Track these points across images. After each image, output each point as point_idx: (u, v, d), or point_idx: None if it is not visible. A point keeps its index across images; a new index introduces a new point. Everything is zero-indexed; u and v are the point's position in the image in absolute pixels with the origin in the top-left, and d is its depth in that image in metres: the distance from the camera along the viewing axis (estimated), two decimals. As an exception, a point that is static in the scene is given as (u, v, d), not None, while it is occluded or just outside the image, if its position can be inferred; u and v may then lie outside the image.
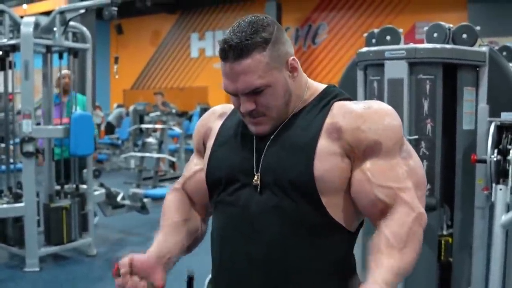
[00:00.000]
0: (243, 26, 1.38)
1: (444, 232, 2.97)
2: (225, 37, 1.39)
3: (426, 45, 2.86)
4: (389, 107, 1.45)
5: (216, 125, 1.60)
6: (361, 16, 15.33)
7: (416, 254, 1.36)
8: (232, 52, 1.36)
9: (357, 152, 1.40)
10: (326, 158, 1.39)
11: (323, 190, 1.39)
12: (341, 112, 1.42)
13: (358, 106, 1.43)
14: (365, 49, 3.01)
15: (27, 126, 5.17)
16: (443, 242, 2.93)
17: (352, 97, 1.52)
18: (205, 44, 18.50)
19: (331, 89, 1.51)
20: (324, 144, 1.40)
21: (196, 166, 1.64)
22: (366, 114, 1.40)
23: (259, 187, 1.44)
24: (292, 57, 1.43)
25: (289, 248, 1.41)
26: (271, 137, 1.46)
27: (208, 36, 18.44)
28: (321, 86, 1.53)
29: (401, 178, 1.39)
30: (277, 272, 1.42)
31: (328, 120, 1.42)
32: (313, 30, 16.16)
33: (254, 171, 1.45)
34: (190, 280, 1.86)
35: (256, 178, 1.44)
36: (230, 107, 1.61)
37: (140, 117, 11.30)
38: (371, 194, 1.38)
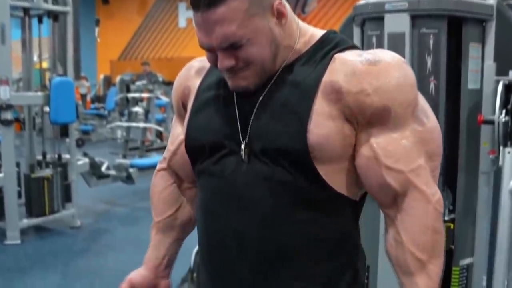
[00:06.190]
0: None
1: (446, 218, 2.78)
2: None
3: (430, -4, 2.64)
4: (400, 59, 1.21)
5: (195, 83, 1.37)
6: (352, -16, 15.07)
7: (443, 248, 1.22)
8: None
9: (361, 119, 1.18)
10: (324, 122, 1.17)
11: (321, 159, 1.17)
12: (343, 69, 1.18)
13: (362, 60, 1.18)
14: (363, 1, 2.79)
15: (4, 93, 4.96)
16: (445, 228, 2.73)
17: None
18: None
19: (330, 36, 1.27)
20: (321, 105, 1.17)
21: (180, 136, 1.41)
22: (373, 73, 1.16)
23: (246, 155, 1.22)
24: (278, 0, 1.18)
25: (283, 225, 1.21)
26: (261, 97, 1.23)
27: (196, 6, 18.11)
28: (319, 33, 1.28)
29: (412, 155, 1.18)
30: (270, 252, 1.23)
31: (326, 77, 1.19)
32: (303, -1, 15.90)
33: (241, 136, 1.23)
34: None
35: (242, 144, 1.22)
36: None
37: (127, 87, 11.07)
38: (380, 177, 1.18)
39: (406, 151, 1.18)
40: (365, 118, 1.18)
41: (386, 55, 1.21)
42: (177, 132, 1.45)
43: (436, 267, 1.21)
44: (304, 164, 1.18)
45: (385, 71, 1.17)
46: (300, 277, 1.24)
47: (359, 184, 1.25)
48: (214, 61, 1.22)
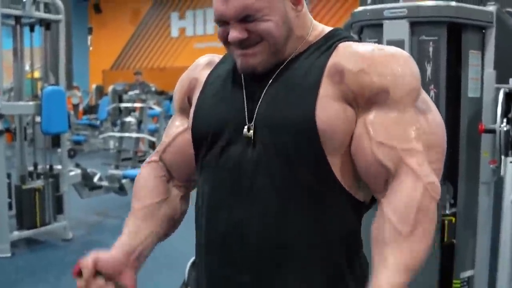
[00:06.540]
0: None
1: (447, 212, 2.73)
2: None
3: (430, 2, 2.61)
4: (406, 54, 1.21)
5: (203, 75, 1.36)
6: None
7: (429, 236, 1.11)
8: None
9: (360, 100, 1.16)
10: (329, 105, 1.16)
11: (326, 145, 1.16)
12: (346, 52, 1.20)
13: (367, 47, 1.21)
14: (361, 8, 2.75)
15: (-5, 103, 4.89)
16: (446, 222, 2.68)
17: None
18: (186, 24, 18.19)
19: (338, 31, 1.30)
20: (326, 88, 1.17)
21: (178, 128, 1.39)
22: (375, 56, 1.17)
23: (252, 143, 1.20)
24: None
25: (286, 219, 1.18)
26: (268, 84, 1.22)
27: (188, 15, 18.13)
28: (327, 28, 1.31)
29: (408, 136, 1.14)
30: (272, 248, 1.19)
31: (331, 61, 1.19)
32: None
33: (247, 124, 1.21)
34: None
35: (246, 131, 1.21)
36: (218, 56, 1.39)
37: (119, 97, 11.02)
38: (370, 154, 1.14)
39: (402, 131, 1.15)
40: (364, 99, 1.16)
41: (392, 47, 1.22)
42: (175, 124, 1.42)
43: (415, 248, 1.09)
44: (312, 150, 1.16)
45: (388, 59, 1.18)
46: (301, 274, 1.20)
47: (357, 178, 1.20)
48: (225, 36, 1.22)
